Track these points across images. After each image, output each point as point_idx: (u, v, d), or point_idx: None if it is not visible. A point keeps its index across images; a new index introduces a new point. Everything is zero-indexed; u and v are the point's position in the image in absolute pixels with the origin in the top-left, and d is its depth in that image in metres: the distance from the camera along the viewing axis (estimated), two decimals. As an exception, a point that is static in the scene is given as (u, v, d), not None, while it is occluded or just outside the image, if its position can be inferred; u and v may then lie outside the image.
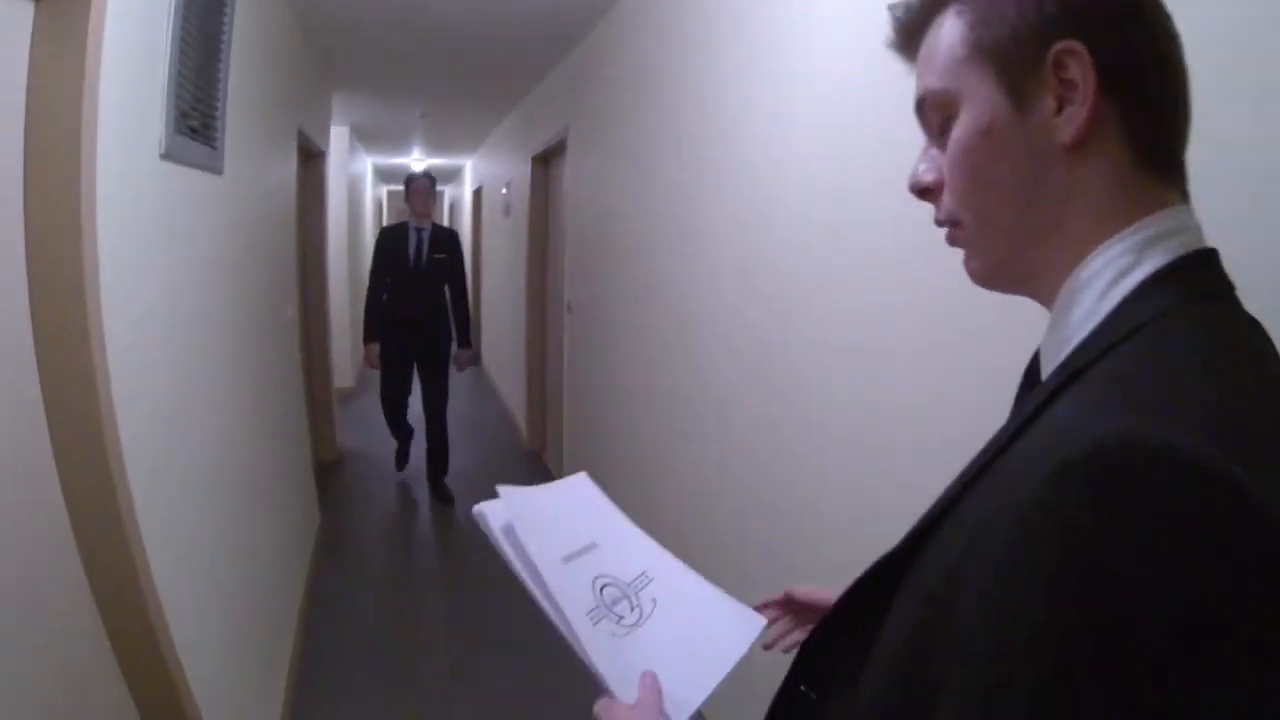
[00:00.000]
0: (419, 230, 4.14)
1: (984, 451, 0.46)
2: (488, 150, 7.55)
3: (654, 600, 0.69)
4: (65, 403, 1.10)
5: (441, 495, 4.30)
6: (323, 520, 3.77)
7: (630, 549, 0.77)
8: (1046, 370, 0.48)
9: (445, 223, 11.00)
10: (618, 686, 0.62)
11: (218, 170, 1.97)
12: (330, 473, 4.58)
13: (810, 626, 0.73)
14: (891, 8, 0.55)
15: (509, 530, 0.69)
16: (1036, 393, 0.45)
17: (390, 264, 4.11)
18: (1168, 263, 0.45)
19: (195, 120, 1.80)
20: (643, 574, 0.74)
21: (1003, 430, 0.46)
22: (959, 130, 0.50)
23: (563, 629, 0.65)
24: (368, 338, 4.20)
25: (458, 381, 4.56)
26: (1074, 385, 0.42)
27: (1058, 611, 0.33)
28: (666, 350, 2.61)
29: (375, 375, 4.37)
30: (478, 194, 8.67)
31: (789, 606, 0.81)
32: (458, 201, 11.82)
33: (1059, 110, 0.46)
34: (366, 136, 7.25)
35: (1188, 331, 0.42)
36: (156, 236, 1.50)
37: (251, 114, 2.40)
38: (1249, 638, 0.32)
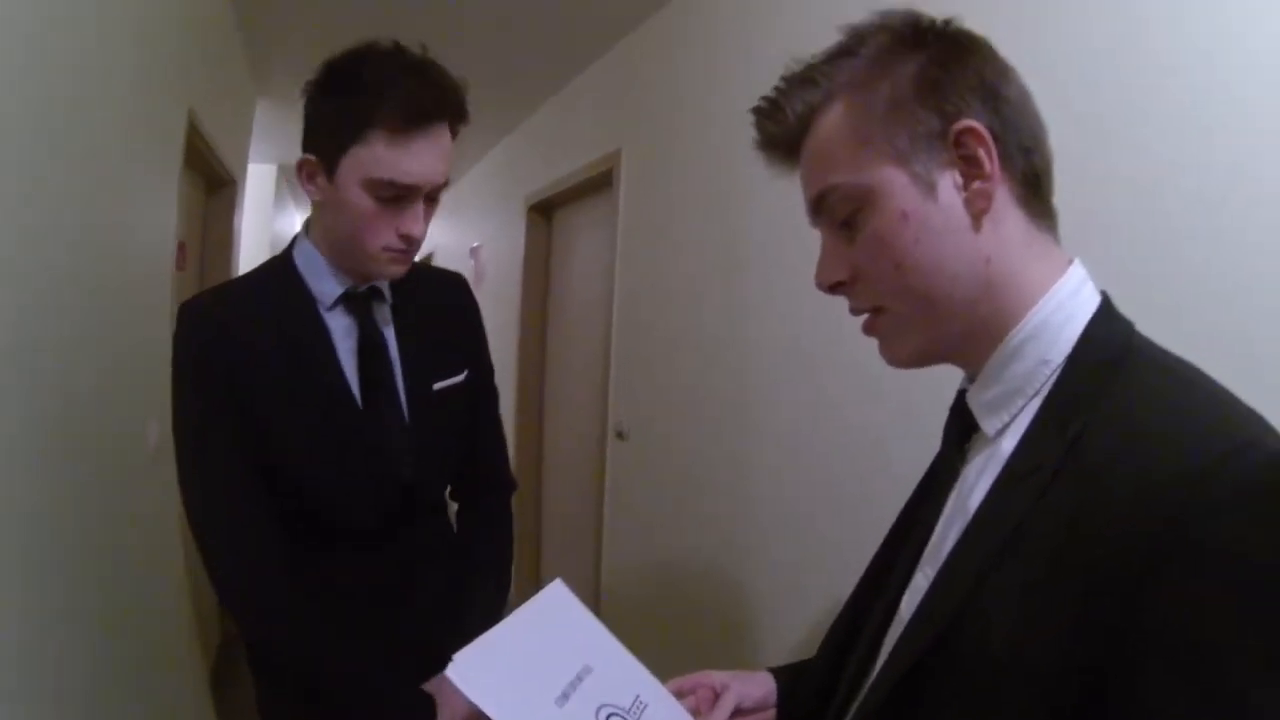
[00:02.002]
0: (366, 299, 1.05)
1: (977, 527, 0.50)
2: (447, 205, 6.33)
3: None
4: None
5: None
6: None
7: (620, 668, 0.73)
8: (989, 423, 0.53)
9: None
10: None
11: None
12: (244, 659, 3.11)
13: None
14: (761, 110, 0.56)
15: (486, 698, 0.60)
16: (1032, 450, 0.48)
17: (255, 454, 0.94)
18: (1097, 307, 0.51)
19: None
20: (637, 698, 0.71)
21: (1000, 500, 0.49)
22: (877, 220, 0.52)
23: None
24: None
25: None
26: (1096, 422, 0.45)
27: None
28: (821, 503, 1.43)
29: None
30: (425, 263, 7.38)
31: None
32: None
33: (966, 186, 0.50)
34: (298, 186, 5.92)
35: (1165, 357, 0.49)
36: None
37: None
38: None
